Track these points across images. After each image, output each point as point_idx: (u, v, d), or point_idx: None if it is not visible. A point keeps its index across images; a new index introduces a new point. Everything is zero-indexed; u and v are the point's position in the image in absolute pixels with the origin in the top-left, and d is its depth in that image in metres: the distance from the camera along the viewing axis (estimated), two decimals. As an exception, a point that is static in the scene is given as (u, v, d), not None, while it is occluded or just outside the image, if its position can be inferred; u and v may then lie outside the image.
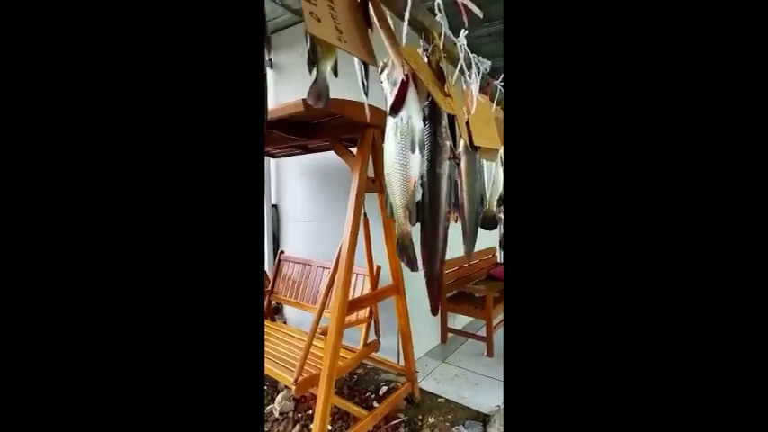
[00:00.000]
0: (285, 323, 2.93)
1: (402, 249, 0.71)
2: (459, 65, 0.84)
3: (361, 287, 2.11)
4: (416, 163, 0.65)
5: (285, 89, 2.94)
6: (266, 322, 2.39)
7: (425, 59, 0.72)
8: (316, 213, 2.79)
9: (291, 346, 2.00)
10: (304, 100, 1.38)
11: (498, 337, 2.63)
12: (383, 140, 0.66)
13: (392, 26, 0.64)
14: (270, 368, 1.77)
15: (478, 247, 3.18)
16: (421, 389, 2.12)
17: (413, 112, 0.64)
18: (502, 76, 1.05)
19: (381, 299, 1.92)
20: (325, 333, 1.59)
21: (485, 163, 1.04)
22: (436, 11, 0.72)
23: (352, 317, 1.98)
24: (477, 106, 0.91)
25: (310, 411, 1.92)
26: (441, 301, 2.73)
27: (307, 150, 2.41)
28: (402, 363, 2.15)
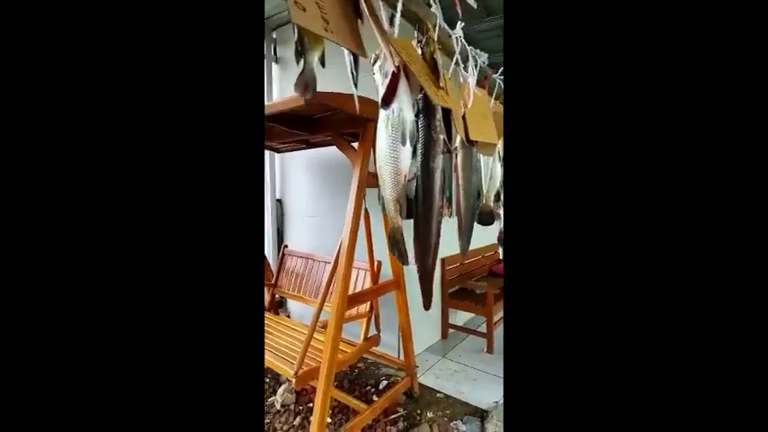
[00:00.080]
0: (288, 316, 2.96)
1: (393, 243, 0.71)
2: (455, 57, 0.83)
3: (362, 282, 2.12)
4: (407, 156, 0.65)
5: (290, 84, 2.94)
6: (269, 315, 2.42)
7: (419, 51, 0.71)
8: (319, 208, 2.80)
9: (293, 340, 2.02)
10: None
11: (499, 333, 2.63)
12: None
13: (384, 17, 0.64)
14: (271, 361, 1.79)
15: (481, 243, 3.18)
16: (420, 384, 2.12)
17: (404, 105, 0.64)
18: (501, 69, 1.04)
19: (382, 294, 1.92)
20: (325, 327, 1.60)
21: (482, 158, 1.03)
22: (431, 2, 0.71)
23: (353, 311, 1.99)
24: (473, 100, 0.90)
25: (311, 404, 1.94)
26: (443, 295, 2.73)
27: (310, 145, 2.41)
28: (402, 358, 2.15)
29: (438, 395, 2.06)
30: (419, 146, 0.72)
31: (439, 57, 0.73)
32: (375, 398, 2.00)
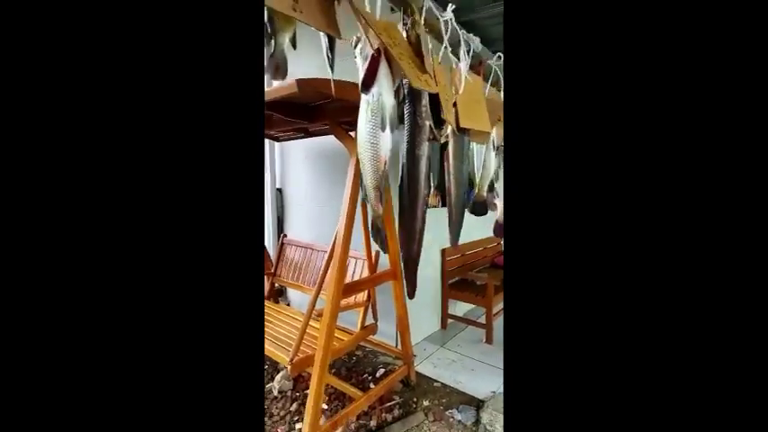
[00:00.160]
0: (288, 305, 2.98)
1: (375, 231, 0.70)
2: (444, 41, 0.80)
3: (359, 271, 2.12)
4: (387, 142, 0.63)
5: (291, 71, 2.91)
6: (269, 304, 2.44)
7: (404, 34, 0.69)
8: (319, 197, 2.79)
9: (291, 328, 2.04)
10: (298, 81, 1.36)
11: (498, 324, 2.63)
12: None
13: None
14: (269, 348, 1.81)
15: (483, 234, 3.16)
16: (418, 372, 2.14)
17: (383, 89, 0.62)
18: (497, 55, 1.01)
19: (379, 283, 1.92)
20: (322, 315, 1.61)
21: (475, 146, 1.01)
22: (418, -18, 0.68)
23: (351, 300, 2.00)
24: (465, 86, 0.88)
25: (308, 390, 1.97)
26: (443, 285, 2.73)
27: (309, 134, 2.39)
28: (400, 347, 2.17)
29: (435, 384, 2.07)
30: (405, 132, 0.71)
31: (426, 40, 0.71)
32: (372, 385, 2.02)
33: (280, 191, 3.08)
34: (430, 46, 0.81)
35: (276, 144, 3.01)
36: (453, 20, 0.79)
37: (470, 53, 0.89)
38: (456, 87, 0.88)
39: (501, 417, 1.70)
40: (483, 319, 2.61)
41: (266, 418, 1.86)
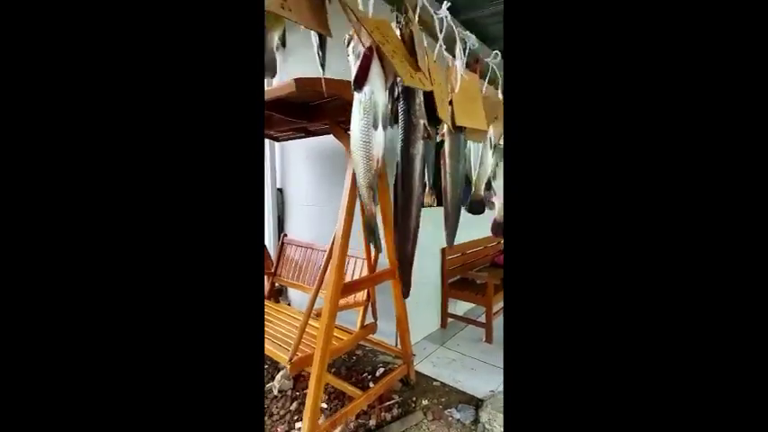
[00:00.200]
0: (289, 305, 2.99)
1: (369, 231, 0.70)
2: (439, 39, 0.79)
3: (359, 271, 2.12)
4: (380, 141, 0.63)
5: (294, 70, 2.90)
6: (269, 303, 2.44)
7: (398, 32, 0.69)
8: (320, 197, 2.79)
9: (291, 327, 2.04)
10: (296, 80, 1.36)
11: (498, 323, 2.62)
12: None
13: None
14: (268, 347, 1.81)
15: (483, 234, 3.15)
16: (417, 372, 2.14)
17: (376, 87, 0.61)
18: (494, 53, 1.00)
19: (378, 283, 1.92)
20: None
21: (471, 144, 1.01)
22: (413, -20, 0.68)
23: (351, 299, 2.00)
24: (461, 84, 0.87)
25: (307, 390, 1.98)
26: (443, 285, 2.73)
27: (309, 133, 2.39)
28: (399, 346, 2.17)
29: (434, 383, 2.07)
30: (400, 131, 0.70)
31: (420, 37, 0.70)
32: (371, 384, 2.02)
33: (280, 191, 3.08)
34: (425, 44, 0.80)
35: (276, 144, 3.01)
36: (449, 17, 0.79)
37: (466, 51, 0.89)
38: (452, 85, 0.87)
39: (500, 416, 1.70)
40: (483, 319, 2.60)
41: (266, 417, 1.86)
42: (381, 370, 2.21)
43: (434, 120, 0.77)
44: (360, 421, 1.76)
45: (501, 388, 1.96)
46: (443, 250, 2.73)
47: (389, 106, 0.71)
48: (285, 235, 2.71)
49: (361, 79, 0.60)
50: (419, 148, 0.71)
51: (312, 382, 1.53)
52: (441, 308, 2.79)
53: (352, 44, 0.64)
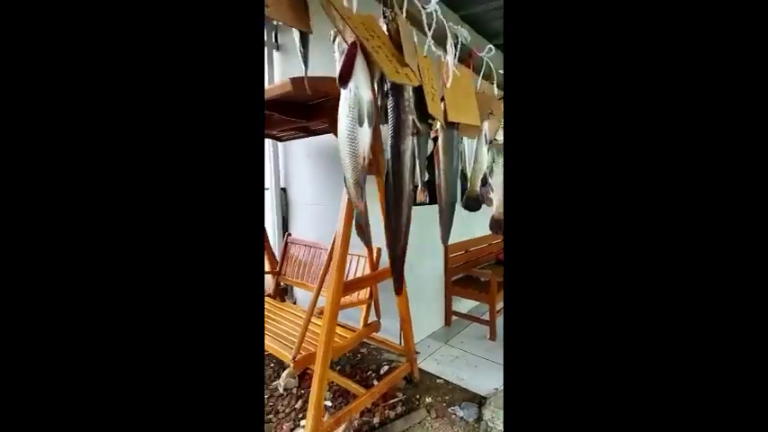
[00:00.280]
0: (295, 303, 3.01)
1: (358, 228, 0.70)
2: (428, 34, 0.79)
3: (362, 269, 2.12)
4: (365, 137, 0.62)
5: (292, 71, 2.91)
6: (274, 302, 2.46)
7: (384, 27, 0.68)
8: (323, 196, 2.80)
9: (296, 326, 2.05)
10: (292, 79, 1.36)
11: (501, 321, 2.60)
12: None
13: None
14: (273, 346, 1.83)
15: (487, 231, 3.12)
16: (421, 369, 2.13)
17: (360, 83, 0.61)
18: (488, 47, 0.99)
19: (380, 280, 1.92)
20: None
21: (466, 141, 1.00)
22: (399, -26, 0.67)
23: (354, 297, 2.00)
24: (453, 79, 0.86)
25: (312, 388, 1.99)
26: (447, 282, 2.72)
27: (310, 132, 2.40)
28: (403, 344, 2.16)
29: (438, 381, 2.06)
30: (389, 127, 0.70)
31: (408, 32, 0.70)
32: (375, 382, 2.02)
33: (284, 190, 3.10)
34: (415, 39, 0.80)
35: (279, 144, 3.02)
36: (438, 11, 0.78)
37: (458, 46, 0.88)
38: (443, 80, 0.86)
39: (503, 413, 1.68)
40: (487, 316, 2.59)
41: (272, 416, 1.88)
42: (386, 368, 2.21)
43: (425, 116, 0.76)
44: (364, 419, 1.77)
45: (505, 385, 1.95)
46: (446, 248, 2.72)
47: (379, 103, 0.71)
48: (289, 234, 2.73)
49: (346, 75, 0.60)
50: (408, 144, 0.70)
51: (315, 380, 1.54)
52: (444, 306, 2.78)
53: (337, 40, 0.63)
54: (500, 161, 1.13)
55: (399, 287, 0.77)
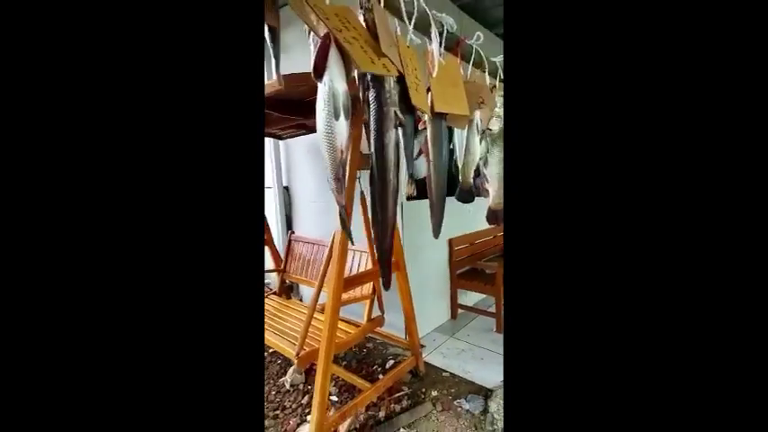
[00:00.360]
0: (301, 300, 3.03)
1: (342, 222, 0.69)
2: (410, 23, 0.77)
3: (364, 264, 2.12)
4: (342, 131, 0.62)
5: (292, 67, 2.91)
6: (279, 300, 2.49)
7: (361, 18, 0.67)
8: (325, 193, 2.80)
9: (300, 322, 2.07)
10: (285, 76, 1.35)
11: (509, 313, 2.58)
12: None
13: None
14: (277, 343, 1.85)
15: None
16: (427, 363, 2.13)
17: (334, 76, 0.60)
18: (476, 34, 0.97)
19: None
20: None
21: (457, 131, 0.98)
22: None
23: (357, 293, 2.00)
24: (438, 69, 0.84)
25: (318, 383, 2.00)
26: (452, 275, 2.70)
27: (311, 130, 2.40)
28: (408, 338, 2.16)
29: (444, 374, 2.06)
30: (371, 120, 0.69)
31: (385, 22, 0.68)
32: (381, 377, 2.03)
33: (287, 189, 3.11)
34: (398, 29, 0.78)
35: (281, 143, 3.03)
36: (421, 0, 0.76)
37: (444, 34, 0.86)
38: (429, 70, 0.85)
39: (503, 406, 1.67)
40: (493, 309, 2.57)
41: (279, 411, 1.90)
42: (391, 362, 2.21)
43: (409, 108, 0.75)
44: (369, 413, 1.78)
45: (511, 377, 1.94)
46: (450, 241, 2.70)
47: (360, 95, 0.69)
48: (292, 232, 2.74)
49: (320, 68, 0.59)
50: (391, 137, 0.69)
51: (318, 376, 1.55)
52: (450, 299, 2.77)
53: (311, 34, 0.62)
54: (495, 151, 1.11)
55: (387, 281, 0.76)
